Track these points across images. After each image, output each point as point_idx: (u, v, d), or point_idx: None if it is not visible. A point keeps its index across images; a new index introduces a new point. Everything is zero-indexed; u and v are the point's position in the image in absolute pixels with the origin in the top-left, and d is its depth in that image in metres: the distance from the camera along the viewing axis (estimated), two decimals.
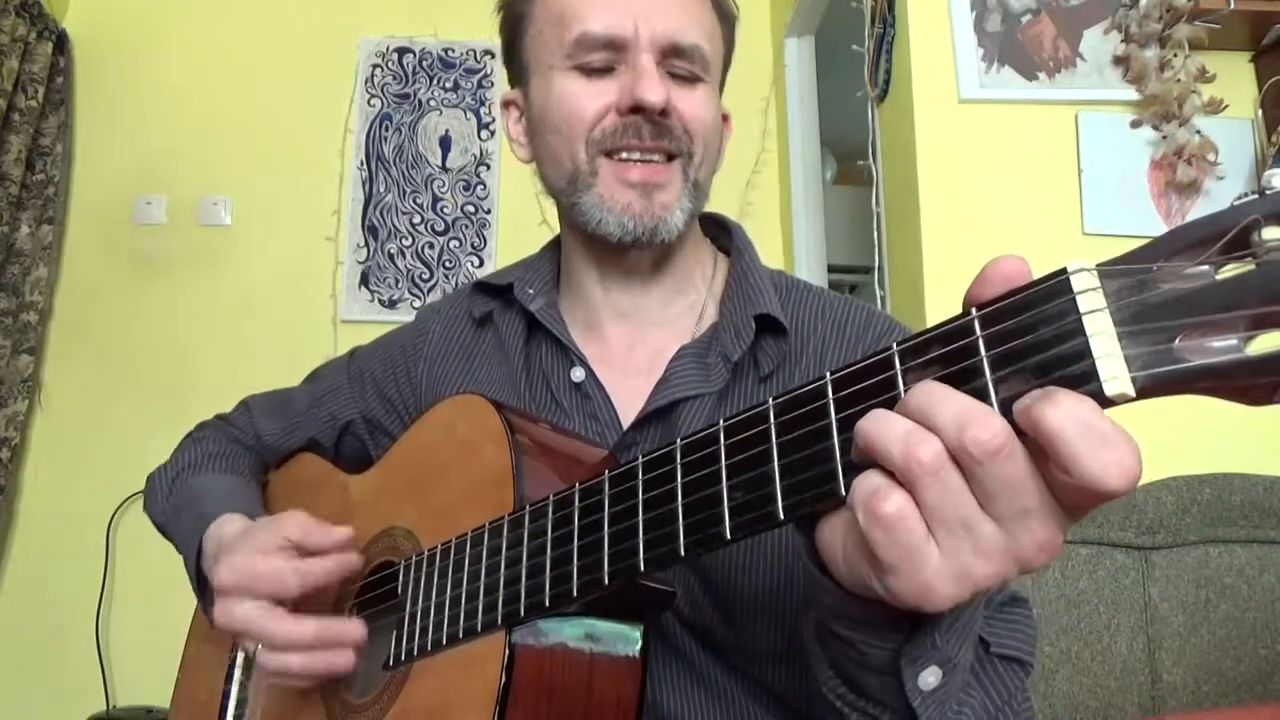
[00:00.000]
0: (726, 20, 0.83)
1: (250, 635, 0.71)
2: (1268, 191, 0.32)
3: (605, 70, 0.76)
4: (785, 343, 0.78)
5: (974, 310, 0.38)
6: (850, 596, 0.45)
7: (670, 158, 0.77)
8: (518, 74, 0.85)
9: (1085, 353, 0.34)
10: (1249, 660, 1.58)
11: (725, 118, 0.87)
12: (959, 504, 0.38)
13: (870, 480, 0.39)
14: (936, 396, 0.38)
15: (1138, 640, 1.57)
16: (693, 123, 0.77)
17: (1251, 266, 0.33)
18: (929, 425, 0.38)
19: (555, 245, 0.92)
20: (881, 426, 0.39)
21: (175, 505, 0.91)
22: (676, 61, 0.77)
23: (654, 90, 0.73)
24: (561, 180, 0.79)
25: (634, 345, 0.83)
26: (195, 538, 0.84)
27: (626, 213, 0.75)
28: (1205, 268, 0.33)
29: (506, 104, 0.87)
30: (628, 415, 0.78)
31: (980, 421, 0.36)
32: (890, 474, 0.39)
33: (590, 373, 0.80)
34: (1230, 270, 0.33)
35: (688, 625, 0.73)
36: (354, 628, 0.69)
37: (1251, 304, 0.32)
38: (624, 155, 0.76)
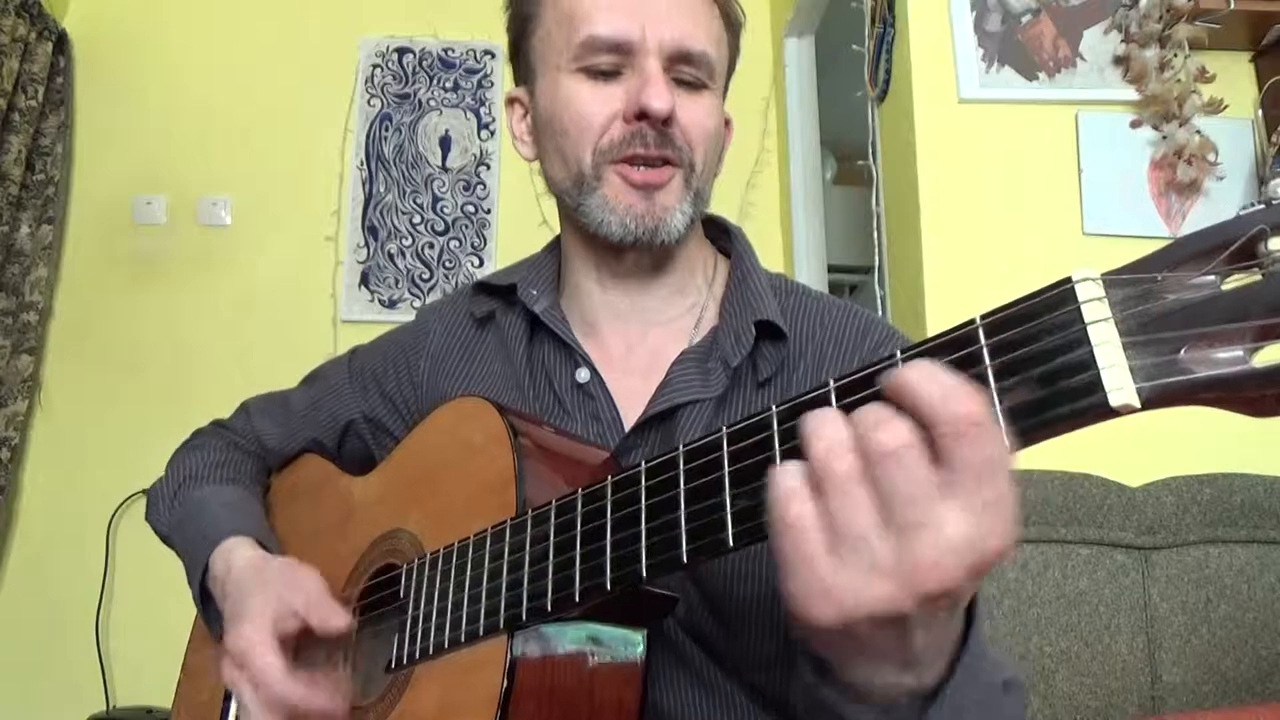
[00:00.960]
0: (733, 28, 0.83)
1: (243, 709, 0.71)
2: (1273, 202, 0.31)
3: (613, 74, 0.76)
4: (784, 348, 0.79)
5: (978, 319, 0.38)
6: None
7: (671, 166, 0.77)
8: (523, 73, 0.85)
9: (1090, 363, 0.34)
10: (1249, 660, 1.58)
11: (727, 123, 0.87)
12: (860, 517, 0.38)
13: (787, 480, 0.40)
14: (870, 406, 0.38)
15: (1138, 640, 1.57)
16: (693, 130, 0.77)
17: (1258, 277, 0.33)
18: (853, 430, 0.38)
19: (556, 245, 0.92)
20: (817, 425, 0.39)
21: (179, 519, 0.91)
22: (684, 68, 0.76)
23: (659, 97, 0.73)
24: (567, 181, 0.79)
25: (633, 346, 0.83)
26: (201, 555, 0.84)
27: (629, 214, 0.75)
28: (1211, 278, 0.33)
29: (511, 101, 0.87)
30: (627, 416, 0.78)
31: (886, 425, 0.37)
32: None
33: (595, 374, 0.80)
34: (1236, 281, 0.33)
35: (686, 630, 0.73)
36: None
37: (1258, 315, 0.32)
38: (628, 160, 0.76)
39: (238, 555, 0.82)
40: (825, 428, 0.39)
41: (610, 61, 0.76)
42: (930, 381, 0.37)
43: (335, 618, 0.72)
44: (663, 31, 0.75)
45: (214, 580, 0.83)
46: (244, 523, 0.86)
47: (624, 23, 0.74)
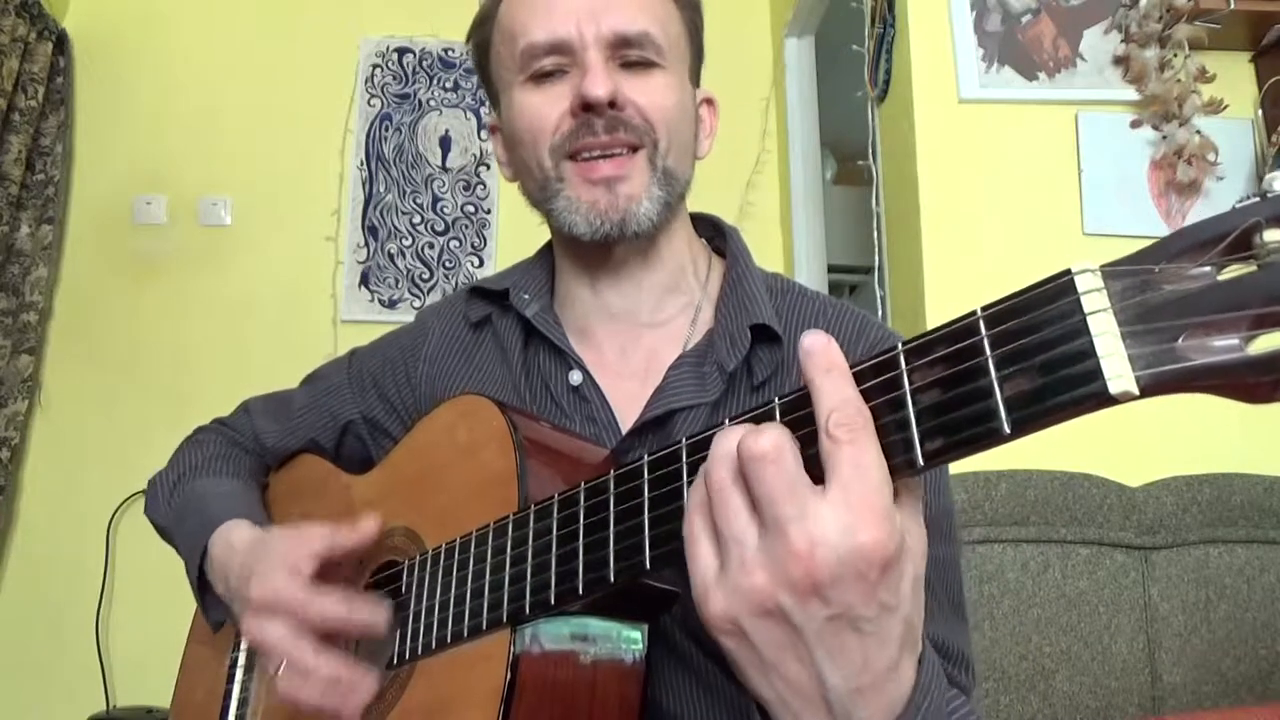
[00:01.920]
0: (683, 2, 0.84)
1: (277, 655, 0.69)
2: (1269, 195, 0.32)
3: (559, 75, 0.77)
4: (779, 351, 0.79)
5: (979, 310, 0.38)
6: None
7: (633, 149, 0.77)
8: (492, 98, 0.87)
9: (1089, 352, 0.34)
10: (1249, 660, 1.58)
11: (709, 101, 0.87)
12: (734, 518, 0.42)
13: (693, 497, 0.45)
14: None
15: (1138, 640, 1.57)
16: (649, 110, 0.77)
17: (1253, 268, 0.33)
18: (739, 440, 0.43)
19: (549, 249, 0.92)
20: (715, 442, 0.44)
21: (178, 509, 0.91)
22: (628, 51, 0.77)
23: (597, 84, 0.73)
24: (535, 190, 0.80)
25: (626, 348, 0.83)
26: (200, 541, 0.84)
27: (593, 210, 0.76)
28: (1207, 269, 0.34)
29: (492, 129, 0.89)
30: (624, 418, 0.78)
31: (759, 431, 0.41)
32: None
33: (588, 376, 0.80)
34: (1232, 271, 0.34)
35: (685, 630, 0.73)
36: (370, 681, 0.67)
37: (1253, 304, 0.32)
38: (585, 155, 0.76)
39: (238, 534, 0.81)
40: (719, 445, 0.43)
41: (554, 62, 0.77)
42: (812, 368, 0.42)
43: (356, 531, 0.72)
44: (599, 23, 0.75)
45: (212, 563, 0.82)
46: (243, 509, 0.86)
47: (558, 24, 0.76)
